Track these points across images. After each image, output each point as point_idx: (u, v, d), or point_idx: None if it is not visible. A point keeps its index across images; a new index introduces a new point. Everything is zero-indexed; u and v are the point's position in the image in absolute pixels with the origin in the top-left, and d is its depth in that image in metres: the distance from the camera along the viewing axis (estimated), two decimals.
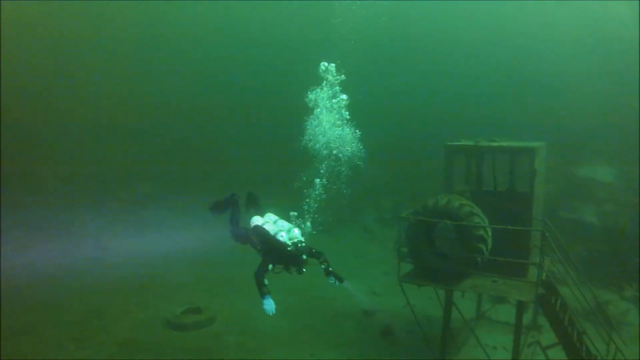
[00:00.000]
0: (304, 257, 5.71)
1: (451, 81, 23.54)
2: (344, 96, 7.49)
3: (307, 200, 7.08)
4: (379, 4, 13.81)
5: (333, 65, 7.51)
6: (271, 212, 6.58)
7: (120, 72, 24.04)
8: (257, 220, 6.41)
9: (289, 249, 5.75)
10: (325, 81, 7.52)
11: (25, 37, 21.99)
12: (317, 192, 7.21)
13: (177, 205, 20.65)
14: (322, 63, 7.49)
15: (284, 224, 6.21)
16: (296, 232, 5.96)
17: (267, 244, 5.98)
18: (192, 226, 19.28)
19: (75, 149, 21.52)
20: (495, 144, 9.60)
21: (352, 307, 13.16)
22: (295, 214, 6.54)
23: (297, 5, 24.32)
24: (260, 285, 5.59)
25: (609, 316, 10.30)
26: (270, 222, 6.29)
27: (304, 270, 5.78)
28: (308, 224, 6.49)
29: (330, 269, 6.04)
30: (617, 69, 19.56)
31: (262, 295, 5.55)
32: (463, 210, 8.99)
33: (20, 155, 20.08)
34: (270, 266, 5.73)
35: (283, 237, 5.91)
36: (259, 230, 6.19)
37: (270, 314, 5.52)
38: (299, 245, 5.79)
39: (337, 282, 6.04)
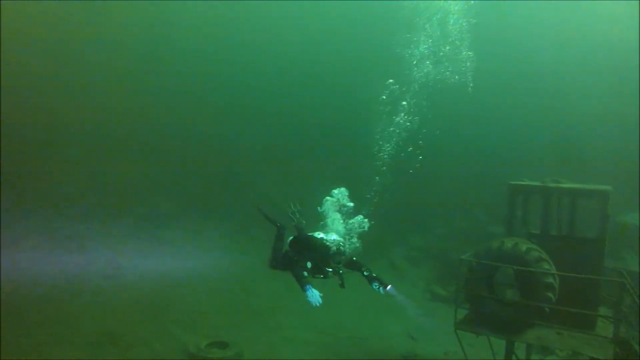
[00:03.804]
0: (342, 252, 5.62)
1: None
2: None
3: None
4: None
5: None
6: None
7: (134, 83, 23.07)
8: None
9: (327, 243, 5.67)
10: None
11: (26, 37, 21.17)
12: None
13: (196, 226, 19.82)
14: None
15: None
16: (334, 236, 5.89)
17: (304, 243, 5.92)
18: (211, 249, 18.50)
19: (93, 159, 20.74)
20: (566, 185, 8.99)
21: (388, 349, 12.26)
22: None
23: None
24: (299, 277, 5.42)
25: None
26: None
27: (342, 275, 5.70)
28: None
29: (374, 274, 5.92)
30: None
31: (303, 286, 5.28)
32: (531, 255, 8.38)
33: (36, 161, 19.18)
34: (308, 264, 5.64)
35: (321, 235, 5.89)
36: (296, 237, 6.16)
37: (317, 304, 5.12)
38: (339, 246, 5.68)
39: (381, 289, 5.79)
